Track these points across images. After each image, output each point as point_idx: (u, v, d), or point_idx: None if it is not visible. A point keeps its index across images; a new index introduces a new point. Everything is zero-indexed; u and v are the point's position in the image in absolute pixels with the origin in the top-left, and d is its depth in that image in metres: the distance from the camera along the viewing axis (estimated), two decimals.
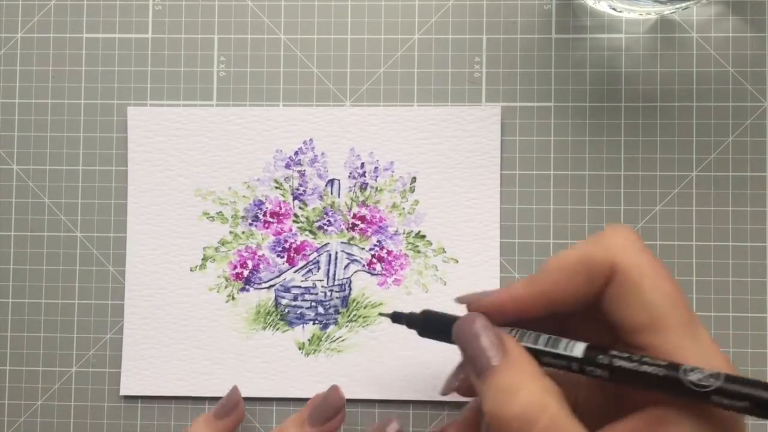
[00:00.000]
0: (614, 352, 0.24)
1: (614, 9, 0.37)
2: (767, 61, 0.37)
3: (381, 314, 0.34)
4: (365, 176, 0.38)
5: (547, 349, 0.25)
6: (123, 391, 0.37)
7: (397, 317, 0.31)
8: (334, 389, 0.35)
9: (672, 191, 0.37)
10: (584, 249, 0.26)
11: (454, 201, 0.37)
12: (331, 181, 0.38)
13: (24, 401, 0.38)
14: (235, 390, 0.36)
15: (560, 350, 0.25)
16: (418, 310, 0.30)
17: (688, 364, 0.22)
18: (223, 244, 0.38)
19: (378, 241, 0.37)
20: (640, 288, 0.25)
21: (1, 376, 0.38)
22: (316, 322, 0.37)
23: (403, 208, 0.37)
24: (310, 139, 0.38)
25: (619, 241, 0.26)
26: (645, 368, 0.22)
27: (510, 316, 0.27)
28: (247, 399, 0.37)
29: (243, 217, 0.38)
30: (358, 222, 0.37)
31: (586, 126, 0.37)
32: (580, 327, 0.27)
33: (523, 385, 0.24)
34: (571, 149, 0.37)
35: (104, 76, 0.38)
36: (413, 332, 0.30)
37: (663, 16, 0.37)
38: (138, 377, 0.37)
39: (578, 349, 0.25)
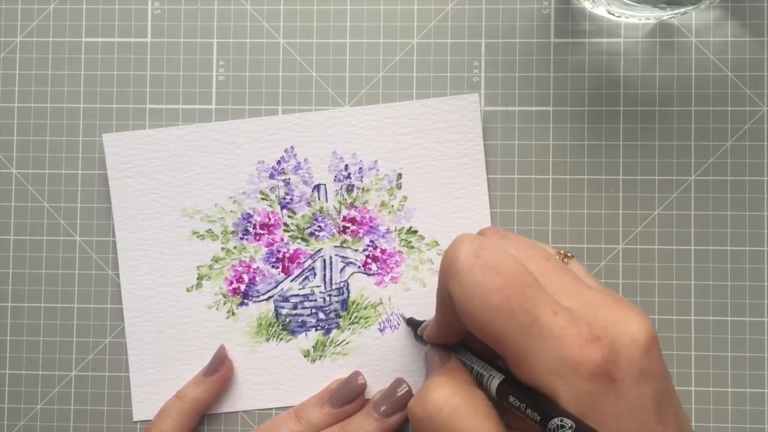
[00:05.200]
0: (511, 398, 0.26)
1: (613, 14, 0.37)
2: (766, 66, 0.37)
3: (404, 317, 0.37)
4: (350, 178, 0.38)
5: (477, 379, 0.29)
6: (136, 417, 0.37)
7: (408, 322, 0.37)
8: (356, 374, 0.36)
9: (670, 195, 0.37)
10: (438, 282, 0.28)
11: (442, 193, 0.37)
12: (317, 187, 0.38)
13: (24, 405, 0.38)
14: (221, 348, 0.37)
15: (483, 383, 0.28)
16: (417, 304, 0.37)
17: (558, 419, 0.24)
18: (216, 261, 0.38)
19: (371, 241, 0.37)
20: (466, 316, 0.26)
21: (1, 380, 0.38)
22: (319, 328, 0.37)
23: (392, 206, 0.37)
24: (291, 147, 0.38)
25: (444, 267, 0.26)
26: (528, 413, 0.25)
27: (445, 342, 0.31)
28: (259, 411, 0.37)
29: (233, 232, 0.38)
30: (349, 224, 0.37)
31: (585, 130, 0.37)
32: None
33: (438, 386, 0.27)
34: (569, 153, 0.37)
35: (103, 80, 0.38)
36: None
37: (662, 20, 0.37)
38: (149, 401, 0.37)
39: (494, 385, 0.27)
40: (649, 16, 0.36)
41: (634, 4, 0.35)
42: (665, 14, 0.36)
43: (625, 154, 0.37)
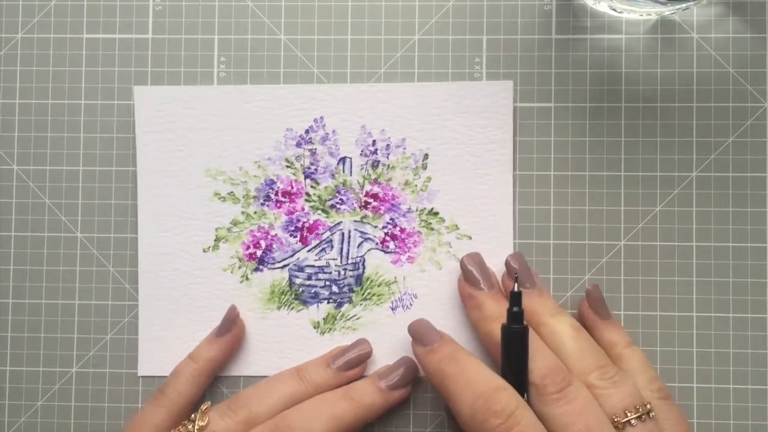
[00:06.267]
0: None
1: (614, 9, 0.37)
2: (767, 62, 0.37)
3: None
4: (377, 154, 0.37)
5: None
6: (141, 372, 0.38)
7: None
8: (362, 340, 0.37)
9: (672, 192, 0.37)
10: None
11: (466, 177, 0.37)
12: (343, 159, 0.37)
13: (24, 402, 0.38)
14: (232, 308, 0.37)
15: None
16: (432, 287, 0.37)
17: None
18: (235, 225, 0.37)
19: (391, 219, 0.37)
20: None
21: (2, 377, 0.38)
22: (331, 300, 0.37)
23: (416, 185, 0.37)
24: (321, 117, 0.37)
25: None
26: None
27: None
28: (264, 377, 0.37)
29: (255, 197, 0.37)
30: (371, 200, 0.37)
31: (587, 126, 0.37)
32: None
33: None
34: (571, 150, 0.37)
35: (104, 76, 0.38)
36: (428, 309, 0.37)
37: (663, 16, 0.37)
38: (154, 358, 0.37)
39: None
40: (651, 11, 0.36)
41: None
42: (666, 10, 0.36)
43: (626, 151, 0.37)
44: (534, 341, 0.32)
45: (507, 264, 0.35)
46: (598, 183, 0.37)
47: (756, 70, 0.37)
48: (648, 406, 0.31)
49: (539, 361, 0.31)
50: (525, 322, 0.32)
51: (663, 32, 0.37)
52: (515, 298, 0.32)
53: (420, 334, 0.34)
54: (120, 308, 0.38)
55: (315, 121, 0.37)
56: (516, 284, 0.33)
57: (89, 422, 0.38)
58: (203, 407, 0.34)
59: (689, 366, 0.37)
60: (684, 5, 0.35)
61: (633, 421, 0.31)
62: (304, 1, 0.38)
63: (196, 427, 0.33)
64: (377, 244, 0.37)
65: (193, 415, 0.34)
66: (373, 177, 0.37)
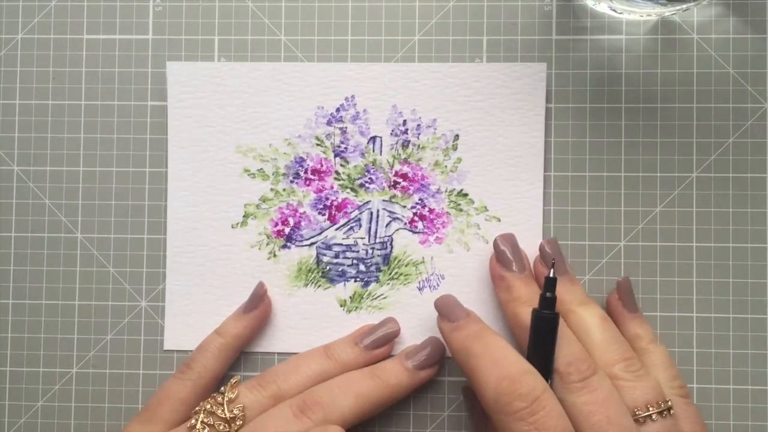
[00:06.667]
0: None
1: (615, 10, 0.37)
2: (767, 63, 0.37)
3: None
4: (407, 133, 0.37)
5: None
6: (167, 346, 0.38)
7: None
8: (390, 319, 0.37)
9: (672, 192, 0.37)
10: None
11: (497, 159, 0.37)
12: (373, 138, 0.37)
13: (24, 402, 0.38)
14: (260, 284, 0.37)
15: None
16: (459, 268, 0.37)
17: None
18: (264, 201, 0.38)
19: (420, 199, 0.37)
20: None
21: (2, 377, 0.38)
22: (358, 279, 0.37)
23: (446, 166, 0.37)
24: (352, 96, 0.37)
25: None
26: None
27: None
28: (289, 354, 0.37)
29: (284, 174, 0.38)
30: (400, 180, 0.37)
31: (587, 127, 0.37)
32: None
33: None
34: (571, 150, 0.37)
35: (105, 77, 0.38)
36: (455, 290, 0.37)
37: (663, 17, 0.37)
38: (181, 332, 0.37)
39: None
40: (651, 12, 0.36)
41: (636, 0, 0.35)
42: (667, 10, 0.36)
43: (626, 151, 0.37)
44: (561, 329, 0.32)
45: (541, 249, 0.36)
46: (598, 183, 0.37)
47: (756, 70, 0.37)
48: (669, 403, 0.32)
49: (565, 348, 0.31)
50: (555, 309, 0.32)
51: (663, 33, 0.37)
52: (550, 284, 0.32)
53: (446, 309, 0.34)
54: (120, 309, 0.38)
55: (346, 99, 0.37)
56: (552, 270, 0.33)
57: (89, 423, 0.38)
58: (233, 381, 0.34)
59: (689, 366, 0.37)
60: (684, 6, 0.35)
61: (654, 416, 0.31)
62: (305, 1, 0.38)
63: (226, 399, 0.33)
64: (405, 223, 0.37)
65: (222, 388, 0.34)
66: (402, 157, 0.37)
